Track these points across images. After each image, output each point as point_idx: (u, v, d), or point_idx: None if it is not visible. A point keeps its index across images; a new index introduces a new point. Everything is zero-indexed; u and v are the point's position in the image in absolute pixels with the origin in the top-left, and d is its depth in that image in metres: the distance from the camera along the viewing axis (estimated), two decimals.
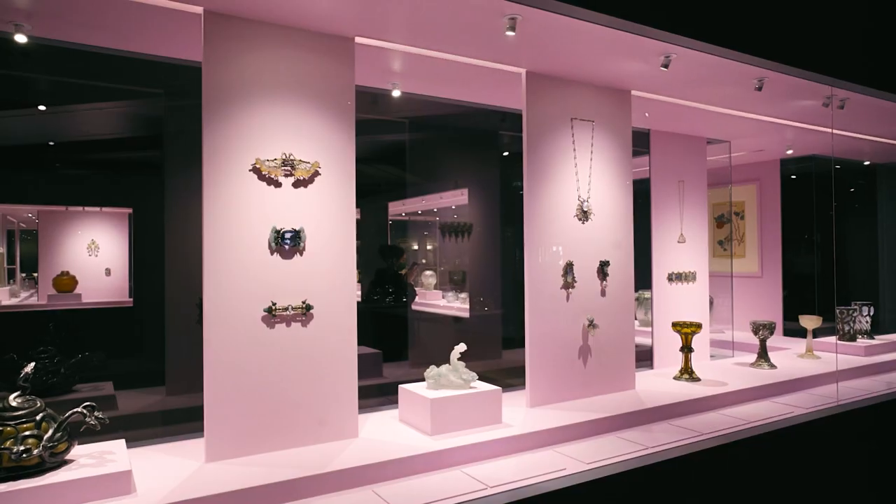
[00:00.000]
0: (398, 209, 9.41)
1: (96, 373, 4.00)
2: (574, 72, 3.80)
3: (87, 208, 8.32)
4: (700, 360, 5.33)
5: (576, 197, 3.92)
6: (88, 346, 5.66)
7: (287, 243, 2.92)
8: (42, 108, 4.35)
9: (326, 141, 3.05)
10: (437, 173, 7.65)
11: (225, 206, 2.80)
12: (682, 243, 5.45)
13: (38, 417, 2.40)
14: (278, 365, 2.91)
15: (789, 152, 6.67)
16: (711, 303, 6.87)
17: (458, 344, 3.43)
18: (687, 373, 4.46)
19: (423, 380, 3.42)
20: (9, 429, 2.32)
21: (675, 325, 4.51)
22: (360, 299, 7.67)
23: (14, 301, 7.66)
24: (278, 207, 2.93)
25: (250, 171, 2.86)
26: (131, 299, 5.96)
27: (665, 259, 5.32)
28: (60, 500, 2.27)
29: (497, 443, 3.11)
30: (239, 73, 2.84)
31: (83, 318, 6.91)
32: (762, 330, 4.93)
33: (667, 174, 5.37)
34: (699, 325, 4.44)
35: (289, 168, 2.93)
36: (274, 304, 2.89)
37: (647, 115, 4.94)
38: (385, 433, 3.18)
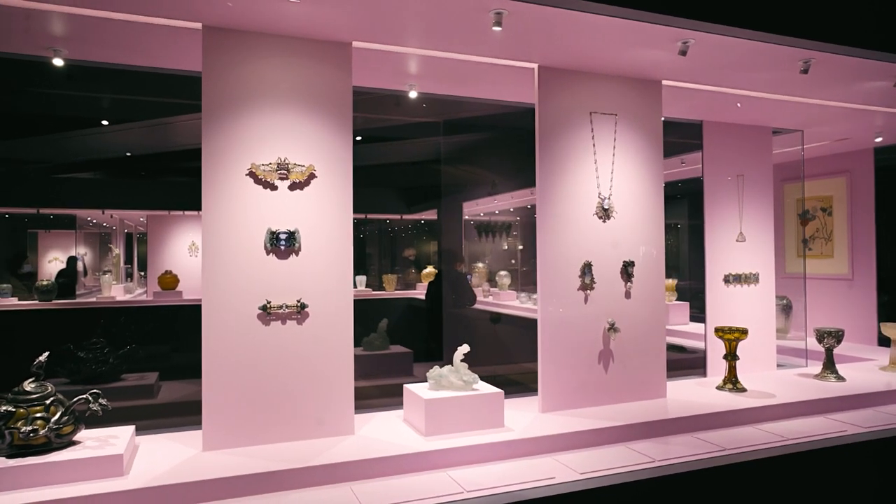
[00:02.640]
0: (474, 209, 9.44)
1: (144, 364, 4.36)
2: (592, 64, 3.64)
3: (186, 212, 9.06)
4: (765, 369, 4.92)
5: (595, 194, 3.75)
6: (181, 340, 6.17)
7: (282, 244, 3.03)
8: (105, 122, 4.79)
9: (322, 144, 3.13)
10: (509, 173, 7.60)
11: (222, 210, 2.96)
12: (742, 242, 5.04)
13: (47, 402, 2.66)
14: (274, 361, 3.03)
15: (878, 140, 5.97)
16: (790, 307, 6.32)
17: (462, 345, 3.40)
18: (730, 382, 4.12)
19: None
20: (21, 410, 2.59)
21: (717, 330, 4.18)
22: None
23: (128, 297, 8.51)
24: (274, 210, 3.05)
25: (247, 175, 3.00)
26: None
27: (721, 259, 4.94)
28: (57, 478, 2.49)
29: (491, 447, 3.05)
30: (236, 82, 2.99)
31: (182, 314, 7.55)
32: (827, 338, 4.46)
33: (723, 168, 4.99)
34: (744, 331, 4.09)
35: (284, 171, 3.04)
36: (269, 302, 3.01)
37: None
38: (382, 432, 3.21)
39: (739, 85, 4.13)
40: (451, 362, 3.39)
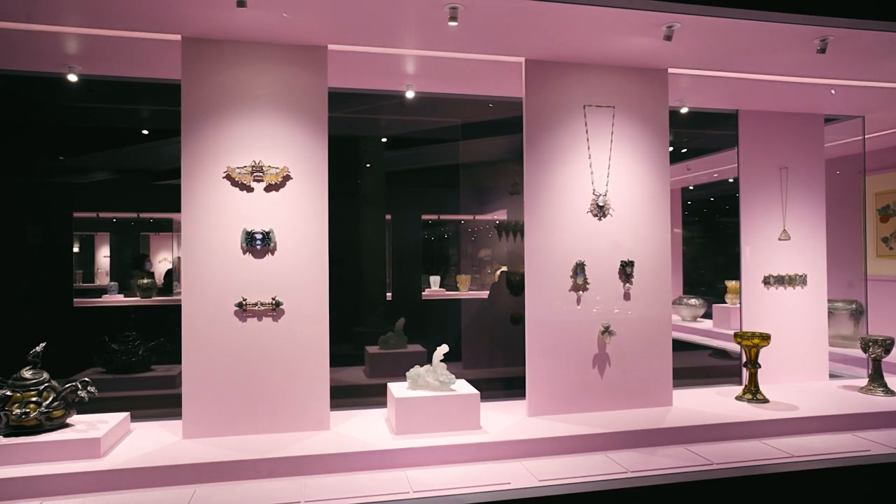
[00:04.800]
0: None
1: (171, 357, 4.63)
2: (586, 54, 3.49)
3: None
4: (815, 379, 4.52)
5: (590, 191, 3.58)
6: None
7: (258, 244, 3.16)
8: (145, 132, 5.16)
9: (296, 146, 3.22)
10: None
11: (201, 211, 3.13)
12: (786, 241, 4.63)
13: (41, 387, 2.93)
14: (250, 357, 3.16)
15: None
16: (860, 312, 5.73)
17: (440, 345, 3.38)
18: (750, 392, 3.80)
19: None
20: (17, 395, 2.87)
21: (737, 336, 3.87)
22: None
23: None
24: (250, 211, 3.18)
25: (223, 178, 3.15)
26: None
27: (759, 259, 4.57)
28: (43, 457, 2.74)
29: (457, 449, 3.00)
30: (214, 89, 3.15)
31: None
32: (872, 346, 3.99)
33: (763, 161, 4.61)
34: (765, 337, 3.76)
35: (259, 173, 3.17)
36: (244, 299, 3.15)
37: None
38: (357, 429, 3.25)
39: (771, 70, 3.77)
40: (468, 363, 3.37)
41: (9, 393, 2.86)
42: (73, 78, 3.57)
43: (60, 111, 4.76)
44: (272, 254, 3.19)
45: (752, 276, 4.57)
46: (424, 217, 8.24)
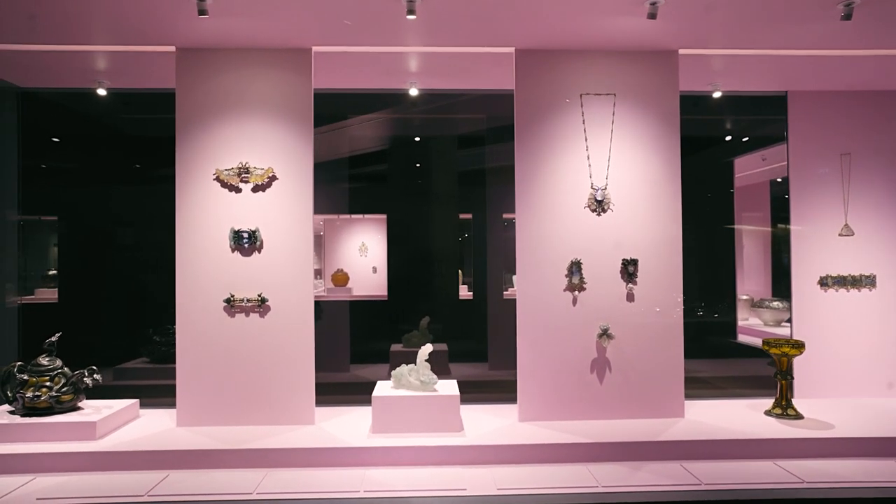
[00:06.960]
0: None
1: None
2: (581, 40, 3.28)
3: (353, 215, 9.99)
4: (882, 395, 3.95)
5: (588, 185, 3.36)
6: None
7: (245, 242, 3.27)
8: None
9: (281, 147, 3.30)
10: None
11: (193, 211, 3.29)
12: (848, 237, 4.08)
13: (53, 374, 3.22)
14: (238, 351, 3.28)
15: None
16: None
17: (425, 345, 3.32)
18: (780, 406, 3.39)
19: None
20: (32, 379, 3.18)
21: (766, 343, 3.46)
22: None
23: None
24: (239, 210, 3.30)
25: (213, 179, 3.30)
26: (386, 294, 6.87)
27: (814, 258, 4.07)
28: (47, 436, 3.01)
29: (428, 451, 2.94)
30: (205, 96, 3.30)
31: (349, 309, 8.28)
32: None
33: (819, 147, 4.10)
34: (798, 346, 3.33)
35: (245, 174, 3.28)
36: (232, 295, 3.27)
37: None
38: (340, 426, 3.27)
39: (817, 44, 3.34)
40: (496, 364, 3.32)
41: (25, 377, 3.18)
42: (102, 92, 3.90)
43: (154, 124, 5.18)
44: (259, 252, 3.30)
45: (806, 276, 4.08)
46: (506, 216, 8.11)
